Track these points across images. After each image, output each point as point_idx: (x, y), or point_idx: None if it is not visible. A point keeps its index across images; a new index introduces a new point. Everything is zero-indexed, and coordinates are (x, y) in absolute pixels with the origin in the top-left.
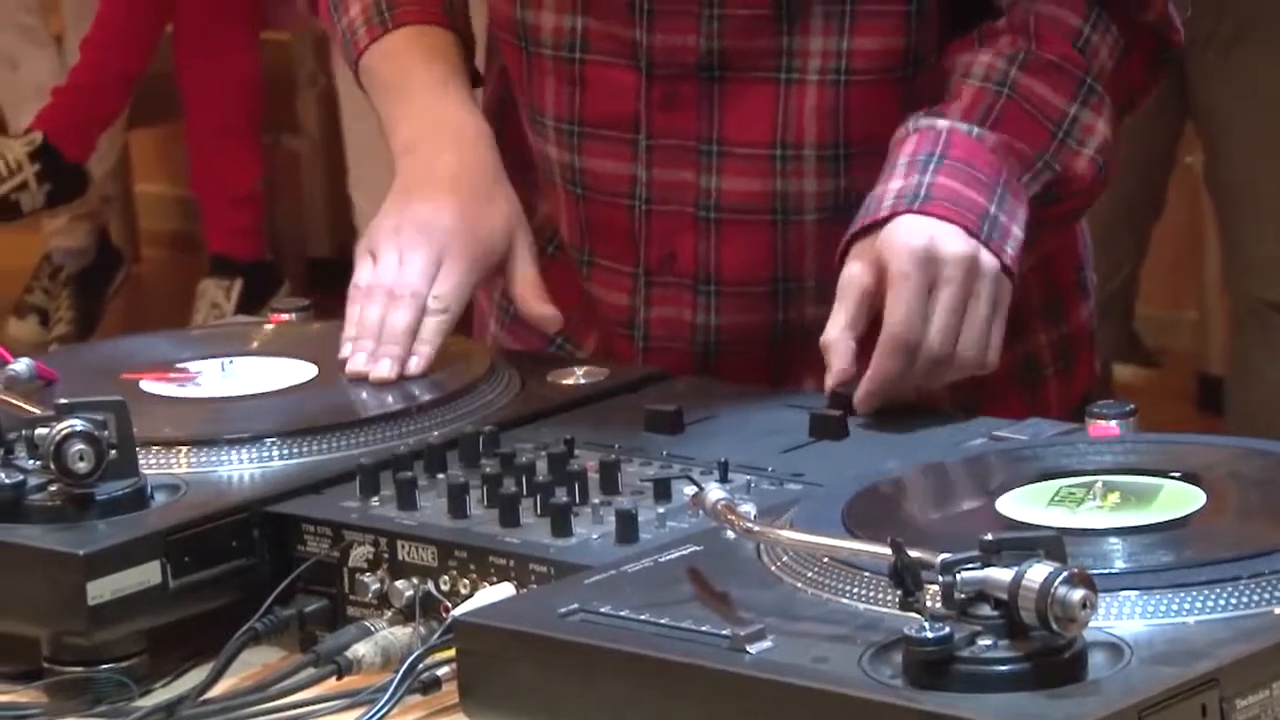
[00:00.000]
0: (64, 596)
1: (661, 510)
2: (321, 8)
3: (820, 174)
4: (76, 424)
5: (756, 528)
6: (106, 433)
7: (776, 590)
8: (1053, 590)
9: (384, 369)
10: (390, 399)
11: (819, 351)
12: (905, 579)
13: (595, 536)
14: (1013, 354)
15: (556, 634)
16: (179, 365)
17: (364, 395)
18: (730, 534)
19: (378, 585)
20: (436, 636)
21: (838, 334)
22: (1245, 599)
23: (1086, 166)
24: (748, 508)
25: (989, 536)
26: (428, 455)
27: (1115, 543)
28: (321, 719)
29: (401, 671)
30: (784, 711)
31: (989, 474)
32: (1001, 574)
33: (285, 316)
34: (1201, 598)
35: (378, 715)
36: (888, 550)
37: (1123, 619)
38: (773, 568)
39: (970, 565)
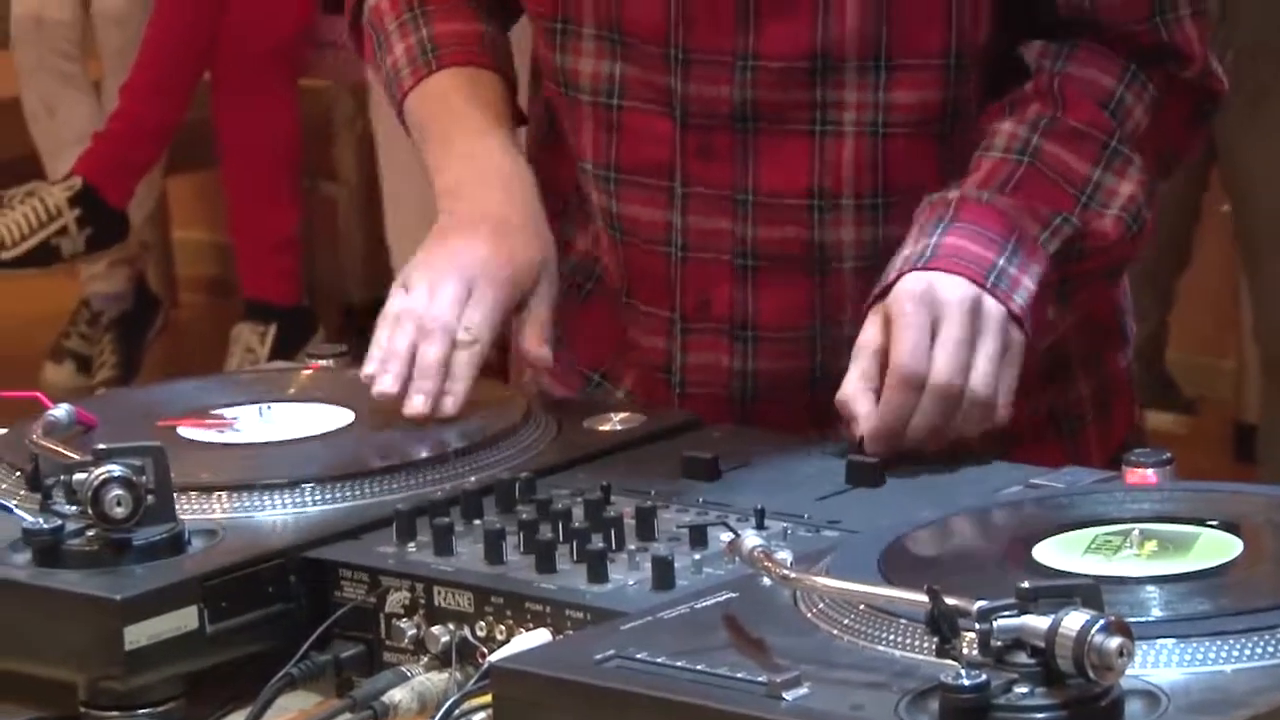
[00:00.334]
0: (101, 641)
1: (698, 557)
2: (366, 49)
3: (859, 223)
4: (114, 469)
5: (793, 574)
6: (144, 478)
7: (813, 637)
8: (1090, 638)
9: (418, 404)
10: (427, 445)
11: None
12: (942, 626)
13: (631, 583)
14: (1051, 401)
15: (593, 680)
16: (216, 411)
17: (401, 441)
18: (766, 581)
19: (414, 631)
20: (473, 682)
21: (854, 388)
22: None
23: (1111, 225)
24: (784, 554)
25: (1025, 584)
26: (464, 501)
27: (1152, 591)
28: None
29: (438, 717)
30: None
31: (1025, 521)
32: (1038, 622)
33: (322, 362)
34: (1239, 646)
35: None
36: (924, 597)
37: (1160, 667)
38: (809, 615)
39: (1007, 613)
